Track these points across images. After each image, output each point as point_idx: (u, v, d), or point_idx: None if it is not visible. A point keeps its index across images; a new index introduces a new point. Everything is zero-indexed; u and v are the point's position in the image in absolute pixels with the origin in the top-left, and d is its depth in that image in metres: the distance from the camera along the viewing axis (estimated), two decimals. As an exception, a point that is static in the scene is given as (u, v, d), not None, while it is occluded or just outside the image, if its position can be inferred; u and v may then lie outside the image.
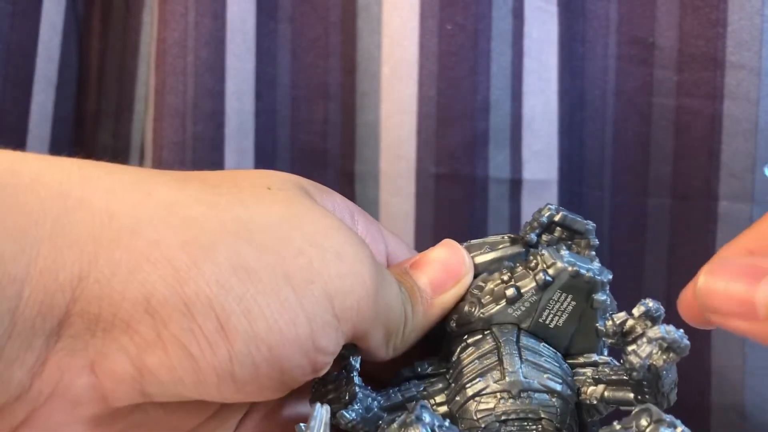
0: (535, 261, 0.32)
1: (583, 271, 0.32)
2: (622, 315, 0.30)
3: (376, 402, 0.31)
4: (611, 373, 0.31)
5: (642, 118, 0.55)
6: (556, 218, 0.34)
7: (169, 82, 0.57)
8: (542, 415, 0.29)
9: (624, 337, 0.29)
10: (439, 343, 0.34)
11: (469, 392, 0.30)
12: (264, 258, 0.25)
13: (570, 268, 0.32)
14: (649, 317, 0.29)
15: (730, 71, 0.52)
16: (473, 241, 0.35)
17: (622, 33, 0.55)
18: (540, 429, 0.29)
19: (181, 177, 0.26)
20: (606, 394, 0.31)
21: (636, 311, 0.30)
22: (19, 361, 0.22)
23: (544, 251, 0.32)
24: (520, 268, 0.33)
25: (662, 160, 0.55)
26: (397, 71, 0.55)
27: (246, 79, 0.58)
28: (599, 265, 0.33)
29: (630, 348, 0.28)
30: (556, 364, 0.31)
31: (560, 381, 0.31)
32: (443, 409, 0.31)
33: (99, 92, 0.64)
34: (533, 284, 0.32)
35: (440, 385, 0.32)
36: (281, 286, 0.25)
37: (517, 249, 0.34)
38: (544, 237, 0.34)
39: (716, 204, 0.53)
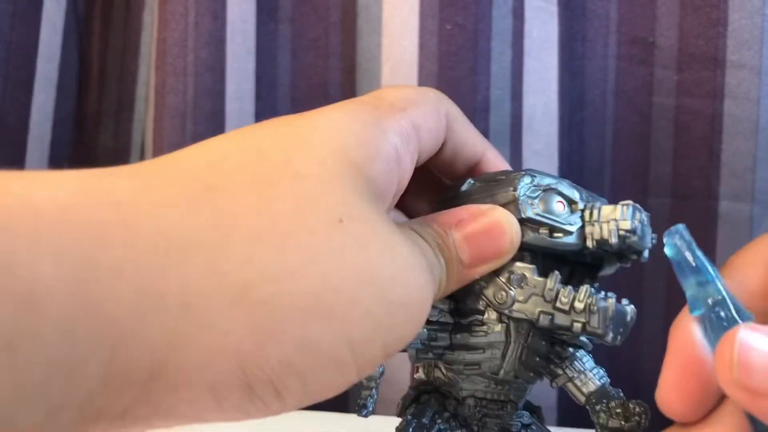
0: (581, 308, 0.31)
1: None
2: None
3: None
4: (576, 390, 0.34)
5: (642, 117, 0.55)
6: (629, 241, 0.31)
7: (170, 83, 0.57)
8: (511, 398, 0.34)
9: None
10: None
11: (466, 372, 0.34)
12: (331, 326, 0.25)
13: (610, 337, 0.32)
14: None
15: (731, 70, 0.52)
16: (540, 210, 0.31)
17: (623, 33, 0.55)
18: (506, 409, 0.34)
19: (251, 237, 0.24)
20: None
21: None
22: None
23: (594, 315, 0.30)
24: (565, 298, 0.31)
25: (662, 160, 0.54)
26: (396, 71, 0.55)
27: (246, 80, 0.58)
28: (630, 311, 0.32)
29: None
30: (545, 363, 0.34)
31: (542, 374, 0.34)
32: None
33: (99, 92, 0.64)
34: (566, 324, 0.31)
35: (442, 343, 0.33)
36: (343, 354, 0.25)
37: (575, 246, 0.32)
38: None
39: (717, 204, 0.53)
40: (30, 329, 0.20)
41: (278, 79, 0.58)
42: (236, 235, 0.24)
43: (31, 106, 0.60)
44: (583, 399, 0.34)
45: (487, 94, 0.54)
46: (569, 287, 0.31)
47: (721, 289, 0.28)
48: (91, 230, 0.22)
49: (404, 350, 0.33)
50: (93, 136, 0.64)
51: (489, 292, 0.32)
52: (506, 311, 0.32)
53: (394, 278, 0.26)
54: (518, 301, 0.32)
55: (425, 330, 0.33)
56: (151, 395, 0.23)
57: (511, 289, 0.32)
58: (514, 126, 0.55)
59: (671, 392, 0.28)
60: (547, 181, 0.32)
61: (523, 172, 0.32)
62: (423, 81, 0.55)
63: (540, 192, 0.32)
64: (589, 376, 0.34)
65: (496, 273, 0.32)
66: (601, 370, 0.34)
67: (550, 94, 0.55)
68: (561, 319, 0.31)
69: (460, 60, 0.54)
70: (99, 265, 0.22)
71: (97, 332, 0.22)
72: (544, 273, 0.32)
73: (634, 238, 0.31)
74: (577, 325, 0.31)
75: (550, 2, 0.54)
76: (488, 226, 0.31)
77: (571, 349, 0.33)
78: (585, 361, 0.34)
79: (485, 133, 0.55)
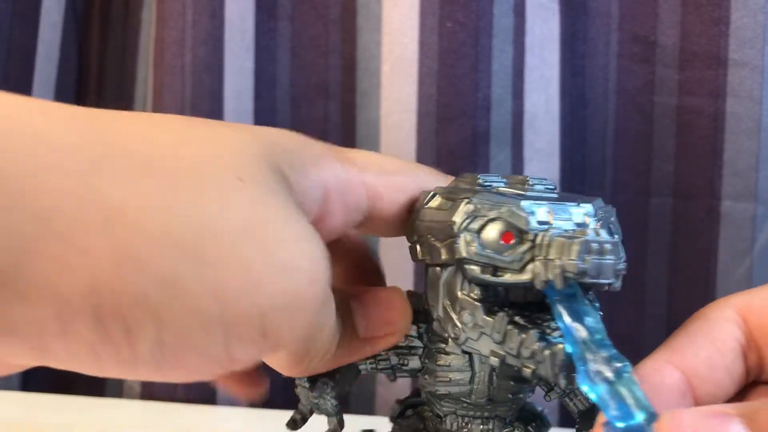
0: (528, 355, 0.28)
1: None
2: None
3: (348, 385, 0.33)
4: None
5: (644, 116, 0.54)
6: (582, 282, 0.27)
7: (167, 82, 0.57)
8: (497, 414, 0.32)
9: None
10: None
11: (438, 395, 0.32)
12: (200, 270, 0.24)
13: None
14: None
15: (733, 69, 0.52)
16: (479, 247, 0.28)
17: (624, 31, 0.54)
18: (490, 425, 0.32)
19: (144, 163, 0.24)
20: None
21: None
22: None
23: (541, 364, 0.28)
24: (512, 343, 0.28)
25: (664, 159, 0.54)
26: (397, 69, 0.55)
27: (245, 78, 0.58)
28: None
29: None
30: (526, 383, 0.32)
31: (521, 392, 0.32)
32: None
33: (98, 92, 0.64)
34: (516, 365, 0.29)
35: (414, 366, 0.32)
36: (206, 300, 0.24)
37: (523, 284, 0.29)
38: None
39: (719, 203, 0.53)
40: None
41: (277, 78, 0.58)
42: (127, 160, 0.23)
43: (30, 105, 0.60)
44: (576, 414, 0.33)
45: (488, 92, 0.54)
46: (516, 331, 0.28)
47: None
48: None
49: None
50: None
51: (446, 325, 0.30)
52: (462, 346, 0.30)
53: (285, 241, 0.25)
54: (471, 339, 0.30)
55: (395, 355, 0.32)
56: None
57: (463, 325, 0.30)
58: (515, 124, 0.55)
59: None
60: (493, 210, 0.29)
61: (467, 200, 0.29)
62: (423, 78, 0.54)
63: (484, 222, 0.29)
64: (578, 392, 0.32)
65: (452, 305, 0.30)
66: None
67: (552, 93, 0.54)
68: (512, 361, 0.29)
69: (461, 58, 0.54)
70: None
71: None
72: (506, 303, 0.30)
73: (587, 279, 0.27)
74: (527, 371, 0.28)
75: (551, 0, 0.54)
76: (383, 297, 0.31)
77: None
78: None
79: (486, 131, 0.55)
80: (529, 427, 0.33)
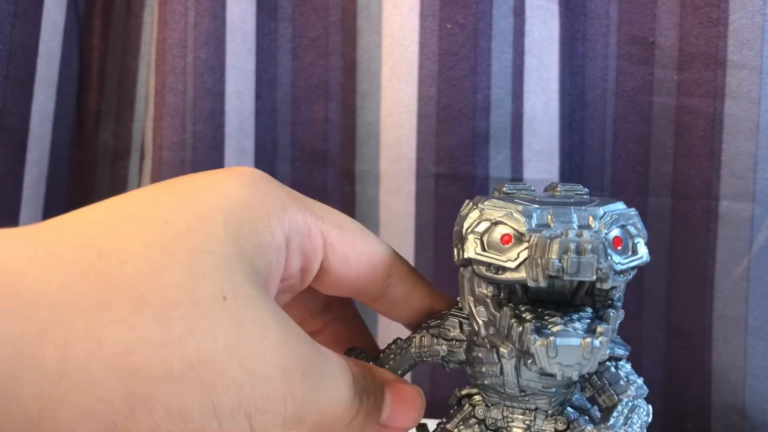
0: (524, 349, 0.29)
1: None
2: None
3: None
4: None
5: (642, 117, 0.55)
6: (565, 278, 0.28)
7: (169, 82, 0.57)
8: (538, 407, 0.33)
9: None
10: None
11: (478, 386, 0.34)
12: (199, 396, 0.26)
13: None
14: None
15: (731, 70, 0.52)
16: (481, 248, 0.30)
17: (623, 32, 0.55)
18: (533, 416, 0.34)
19: (138, 300, 0.26)
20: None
21: None
22: None
23: (534, 357, 0.29)
24: (515, 337, 0.30)
25: (663, 160, 0.54)
26: (397, 71, 0.55)
27: (246, 79, 0.58)
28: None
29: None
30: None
31: (561, 384, 0.33)
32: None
33: (100, 92, 0.64)
34: (524, 358, 0.30)
35: (460, 358, 0.35)
36: (208, 420, 0.27)
37: (524, 281, 0.30)
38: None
39: (717, 203, 0.53)
40: None
41: (278, 79, 0.58)
42: (120, 302, 0.26)
43: (31, 106, 0.60)
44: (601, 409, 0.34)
45: (488, 94, 0.54)
46: (516, 323, 0.30)
47: None
48: None
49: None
50: (93, 136, 0.64)
51: (471, 320, 0.33)
52: (483, 339, 0.33)
53: (262, 354, 0.28)
54: (489, 333, 0.32)
55: (445, 346, 0.35)
56: None
57: (481, 320, 0.32)
58: (514, 125, 0.55)
59: None
60: (497, 212, 0.31)
61: (473, 206, 0.32)
62: (423, 80, 0.55)
63: (489, 225, 0.31)
64: (608, 392, 0.33)
65: (473, 301, 0.32)
66: (634, 383, 0.32)
67: (551, 94, 0.55)
68: (520, 354, 0.30)
69: (461, 59, 0.54)
70: None
71: None
72: (524, 301, 0.31)
73: (565, 277, 0.28)
74: (530, 363, 0.29)
75: (550, 1, 0.54)
76: (407, 397, 0.34)
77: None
78: (614, 371, 0.33)
79: (485, 132, 0.55)
80: (574, 422, 0.34)
